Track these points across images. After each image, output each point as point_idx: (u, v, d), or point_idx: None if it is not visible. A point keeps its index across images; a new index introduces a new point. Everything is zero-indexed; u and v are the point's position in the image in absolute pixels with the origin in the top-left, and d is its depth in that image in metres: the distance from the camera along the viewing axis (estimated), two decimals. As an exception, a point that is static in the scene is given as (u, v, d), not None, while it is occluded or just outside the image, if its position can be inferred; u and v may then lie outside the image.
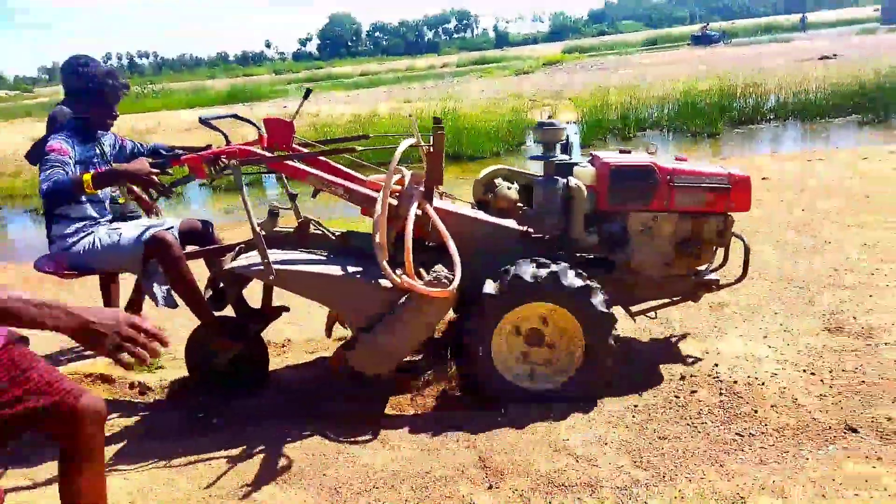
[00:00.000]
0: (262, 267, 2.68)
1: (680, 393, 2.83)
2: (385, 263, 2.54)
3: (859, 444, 2.35)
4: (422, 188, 2.79)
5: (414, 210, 2.68)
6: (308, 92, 3.44)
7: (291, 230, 3.08)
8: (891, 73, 12.07)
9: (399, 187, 2.82)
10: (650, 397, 2.82)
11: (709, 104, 11.73)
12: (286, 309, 3.36)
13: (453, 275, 2.62)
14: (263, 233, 2.82)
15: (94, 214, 3.04)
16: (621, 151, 3.22)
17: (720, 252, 3.12)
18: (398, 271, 2.56)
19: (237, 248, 3.03)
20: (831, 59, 18.94)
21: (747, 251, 3.11)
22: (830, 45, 24.13)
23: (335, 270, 2.76)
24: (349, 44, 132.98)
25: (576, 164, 3.10)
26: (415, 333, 2.73)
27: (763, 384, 2.81)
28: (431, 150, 2.76)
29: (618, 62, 28.78)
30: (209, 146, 3.03)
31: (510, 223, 2.99)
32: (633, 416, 2.67)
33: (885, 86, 11.09)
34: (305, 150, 3.21)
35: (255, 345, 3.21)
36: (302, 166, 2.89)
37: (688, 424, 2.59)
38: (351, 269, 2.77)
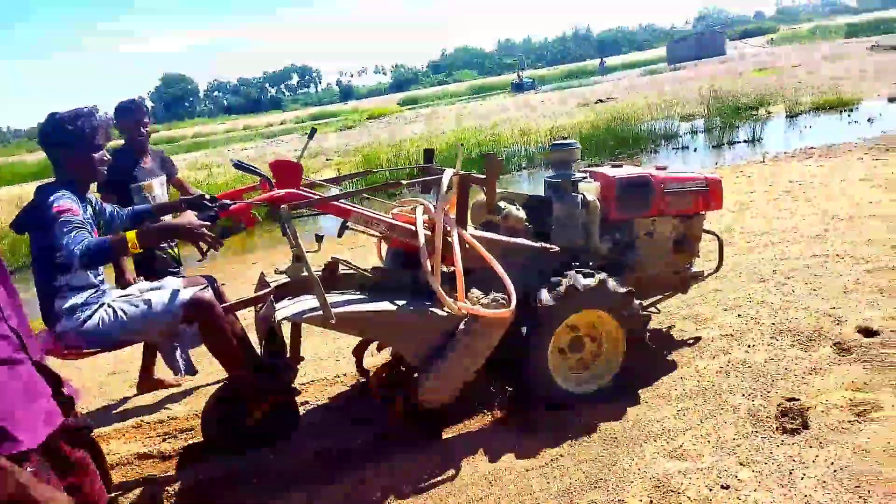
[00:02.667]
0: (319, 312, 2.55)
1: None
2: (443, 293, 2.57)
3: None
4: (453, 216, 2.81)
5: (456, 238, 2.71)
6: (313, 131, 3.45)
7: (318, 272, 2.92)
8: (632, 113, 13.93)
9: (426, 217, 2.83)
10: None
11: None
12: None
13: (507, 296, 2.72)
14: (287, 279, 2.77)
15: (96, 282, 2.72)
16: (613, 165, 3.55)
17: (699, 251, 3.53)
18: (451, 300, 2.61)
19: (269, 298, 2.85)
20: (605, 102, 21.39)
21: (721, 244, 3.61)
22: (612, 88, 27.24)
23: (388, 306, 2.72)
24: (187, 105, 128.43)
25: (580, 180, 3.28)
26: (477, 358, 2.77)
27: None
28: (486, 177, 2.95)
29: (431, 114, 30.34)
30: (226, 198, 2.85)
31: (529, 242, 3.07)
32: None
33: (622, 128, 12.64)
34: (317, 192, 3.07)
35: (288, 395, 3.04)
36: (348, 205, 2.82)
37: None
38: (401, 303, 2.75)
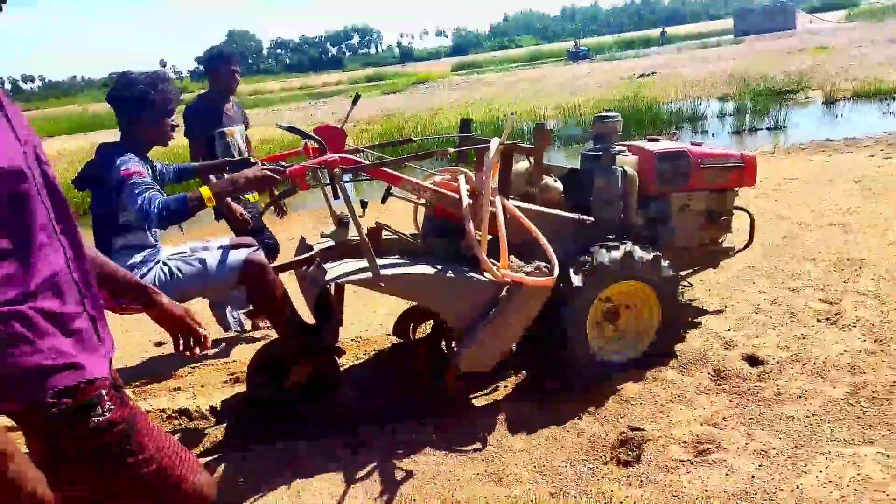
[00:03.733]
0: (369, 274, 2.59)
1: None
2: (487, 260, 2.60)
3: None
4: (495, 186, 2.81)
5: (500, 206, 2.71)
6: (357, 97, 3.45)
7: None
8: (662, 92, 13.34)
9: (468, 186, 2.82)
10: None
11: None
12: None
13: (550, 264, 2.72)
14: (332, 242, 2.83)
15: (153, 241, 2.78)
16: (650, 139, 3.58)
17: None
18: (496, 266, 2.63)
19: (316, 259, 2.88)
20: (647, 77, 20.55)
21: (752, 220, 3.61)
22: (661, 61, 26.09)
23: (434, 271, 2.75)
24: (250, 61, 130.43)
25: (620, 153, 3.28)
26: (519, 326, 2.78)
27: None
28: (534, 147, 3.00)
29: (478, 81, 29.84)
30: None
31: (568, 214, 3.12)
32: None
33: (642, 108, 12.14)
34: (361, 158, 3.12)
35: (331, 357, 3.08)
36: (396, 173, 2.83)
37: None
38: (446, 268, 2.78)
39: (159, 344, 4.30)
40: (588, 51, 44.16)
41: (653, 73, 21.19)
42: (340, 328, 3.05)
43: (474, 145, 3.03)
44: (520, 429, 2.84)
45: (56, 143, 19.47)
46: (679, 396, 2.92)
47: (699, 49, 32.89)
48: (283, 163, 2.84)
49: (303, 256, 2.98)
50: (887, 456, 2.35)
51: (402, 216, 3.56)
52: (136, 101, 2.64)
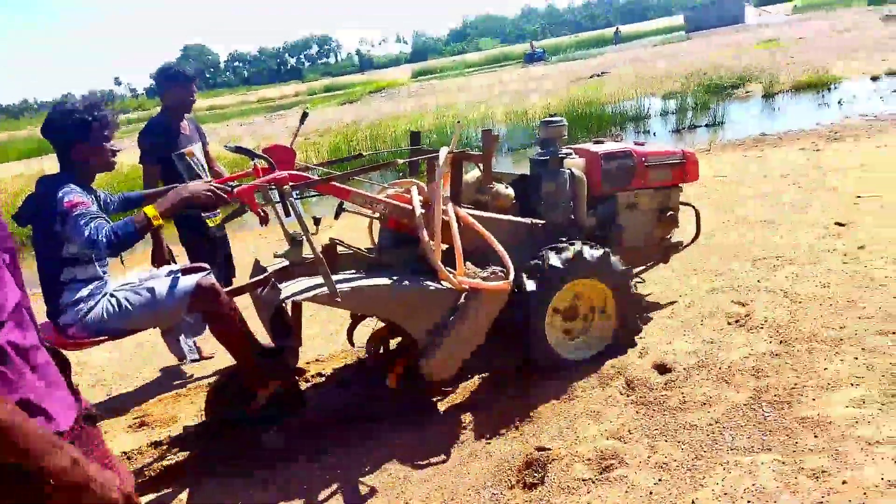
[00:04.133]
0: (325, 291, 2.58)
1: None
2: (444, 268, 2.64)
3: None
4: (447, 194, 2.85)
5: (453, 214, 2.76)
6: (305, 115, 3.45)
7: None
8: (612, 92, 13.47)
9: (421, 197, 2.86)
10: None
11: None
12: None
13: (505, 268, 2.78)
14: (287, 262, 2.79)
15: (101, 273, 2.68)
16: (595, 142, 3.62)
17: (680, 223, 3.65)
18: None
19: (271, 280, 2.88)
20: (599, 77, 20.78)
21: (698, 214, 3.72)
22: (613, 60, 26.44)
23: (391, 283, 2.77)
24: (207, 76, 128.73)
25: (566, 156, 3.34)
26: (479, 332, 2.81)
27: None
28: (483, 153, 3.07)
29: (433, 88, 29.87)
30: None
31: (519, 218, 3.18)
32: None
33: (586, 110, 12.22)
34: (312, 175, 3.08)
35: (293, 378, 3.04)
36: (346, 187, 2.85)
37: None
38: (403, 280, 2.80)
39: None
40: (544, 53, 44.60)
41: (603, 73, 21.47)
42: (300, 348, 3.02)
43: (424, 156, 3.05)
44: (429, 455, 2.79)
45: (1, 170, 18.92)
46: (589, 410, 2.89)
47: (654, 46, 33.44)
48: (232, 183, 2.81)
49: (257, 278, 2.95)
50: (783, 463, 2.35)
51: (358, 232, 3.56)
52: (73, 129, 2.55)
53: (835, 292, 3.53)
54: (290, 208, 2.60)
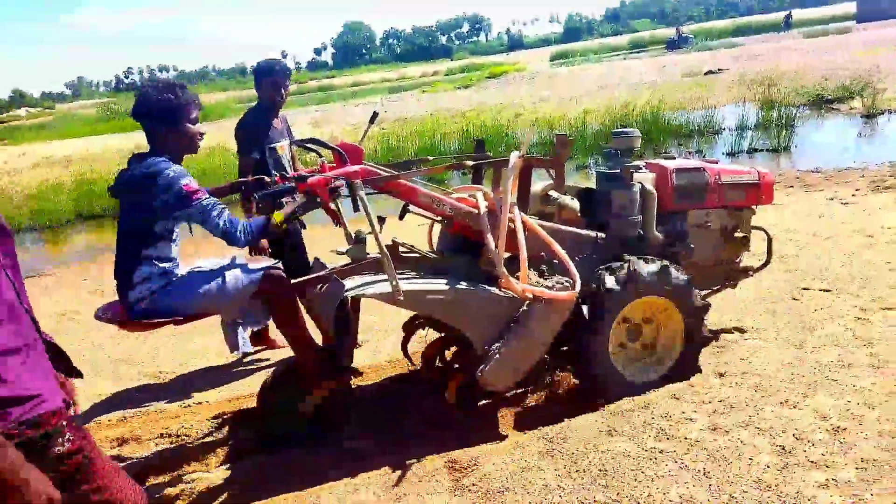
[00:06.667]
0: (387, 289, 2.56)
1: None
2: (508, 275, 2.61)
3: None
4: (514, 201, 2.82)
5: (520, 222, 2.73)
6: (375, 115, 3.53)
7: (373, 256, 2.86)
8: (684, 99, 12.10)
9: (486, 202, 2.85)
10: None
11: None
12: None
13: (571, 279, 2.73)
14: (349, 259, 2.81)
15: (175, 255, 2.73)
16: (665, 157, 3.58)
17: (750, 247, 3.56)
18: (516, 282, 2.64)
19: (332, 275, 2.81)
20: (715, 74, 18.84)
21: (770, 239, 3.59)
22: (752, 53, 23.83)
23: (453, 287, 2.73)
24: (363, 51, 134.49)
25: (638, 170, 3.29)
26: (542, 342, 2.76)
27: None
28: (557, 158, 3.14)
29: (546, 76, 28.73)
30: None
31: (584, 231, 3.14)
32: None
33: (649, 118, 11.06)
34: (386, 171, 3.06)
35: (347, 380, 3.00)
36: (415, 186, 2.84)
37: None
38: (465, 284, 2.77)
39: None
40: (691, 39, 41.07)
41: (720, 69, 19.39)
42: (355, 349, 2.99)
43: (493, 160, 3.06)
44: None
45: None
46: None
47: (808, 38, 29.73)
48: (303, 173, 2.82)
49: (318, 274, 2.89)
50: None
51: (416, 236, 3.49)
52: (161, 112, 2.63)
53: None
54: (361, 203, 2.57)
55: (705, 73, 19.37)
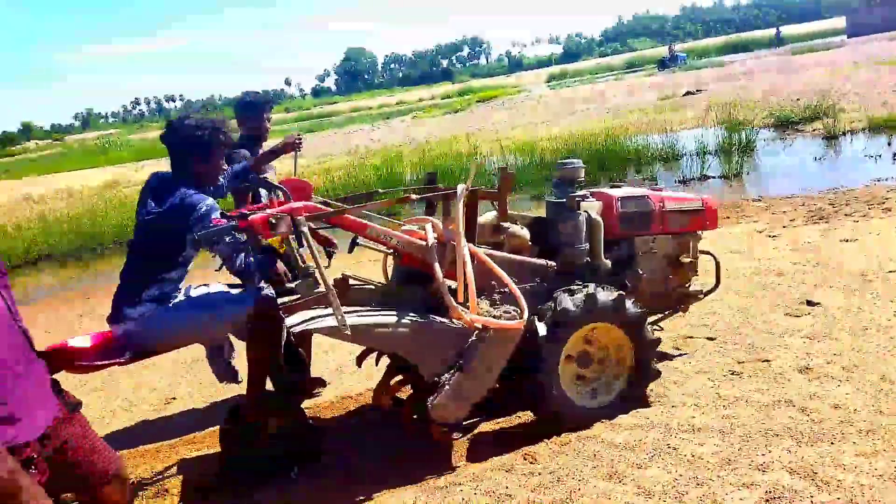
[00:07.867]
0: (334, 324, 2.53)
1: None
2: (456, 306, 2.59)
3: None
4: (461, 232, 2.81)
5: (468, 253, 2.71)
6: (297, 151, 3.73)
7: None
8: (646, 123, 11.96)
9: (435, 234, 2.86)
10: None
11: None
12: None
13: (519, 308, 2.72)
14: (299, 297, 2.77)
15: (182, 281, 2.80)
16: (612, 186, 3.65)
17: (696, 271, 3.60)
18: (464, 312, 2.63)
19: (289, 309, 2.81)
20: (693, 94, 18.73)
21: (718, 264, 3.64)
22: (734, 72, 23.74)
23: (401, 318, 2.75)
24: (366, 77, 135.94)
25: (584, 199, 3.33)
26: (492, 372, 2.74)
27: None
28: (499, 191, 3.15)
29: (530, 99, 28.76)
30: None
31: (534, 259, 3.17)
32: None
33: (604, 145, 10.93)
34: (329, 207, 3.08)
35: (302, 416, 2.97)
36: (361, 220, 2.84)
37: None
38: (414, 315, 2.78)
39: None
40: (684, 57, 41.00)
41: (699, 90, 19.28)
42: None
43: (440, 192, 3.09)
44: None
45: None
46: None
47: (794, 54, 29.68)
48: (246, 212, 2.83)
49: (286, 301, 2.86)
50: None
51: (375, 267, 3.49)
52: (194, 145, 2.79)
53: None
54: (304, 239, 2.58)
55: (684, 95, 19.30)
